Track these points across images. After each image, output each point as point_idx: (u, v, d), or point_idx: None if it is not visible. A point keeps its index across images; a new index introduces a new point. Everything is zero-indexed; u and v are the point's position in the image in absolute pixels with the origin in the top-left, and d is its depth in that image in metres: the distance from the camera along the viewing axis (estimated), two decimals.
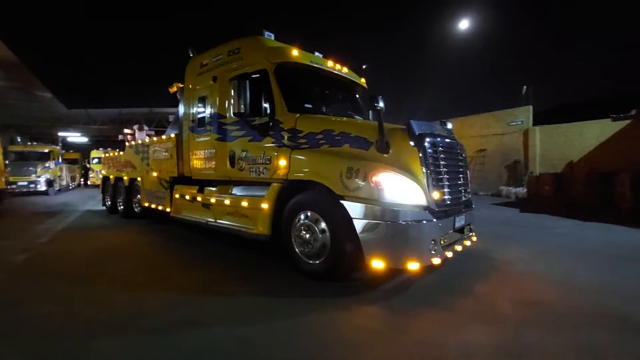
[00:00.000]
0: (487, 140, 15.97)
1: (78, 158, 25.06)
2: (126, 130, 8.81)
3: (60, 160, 18.03)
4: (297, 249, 3.71)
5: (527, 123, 14.61)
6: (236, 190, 4.78)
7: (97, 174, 20.60)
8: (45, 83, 16.37)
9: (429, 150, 3.33)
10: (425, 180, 3.25)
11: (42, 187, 15.55)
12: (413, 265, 3.05)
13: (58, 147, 18.49)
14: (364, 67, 5.66)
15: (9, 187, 15.07)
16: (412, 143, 3.28)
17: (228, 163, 4.71)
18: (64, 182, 18.45)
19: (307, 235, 3.57)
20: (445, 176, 3.50)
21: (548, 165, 13.38)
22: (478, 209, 8.94)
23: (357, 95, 5.48)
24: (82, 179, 25.02)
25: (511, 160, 14.85)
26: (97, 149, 24.53)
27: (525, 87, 15.61)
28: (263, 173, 4.23)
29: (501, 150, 15.32)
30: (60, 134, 23.66)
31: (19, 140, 22.64)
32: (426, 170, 3.26)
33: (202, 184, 5.33)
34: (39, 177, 15.48)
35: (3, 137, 18.18)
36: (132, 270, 3.99)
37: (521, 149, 14.67)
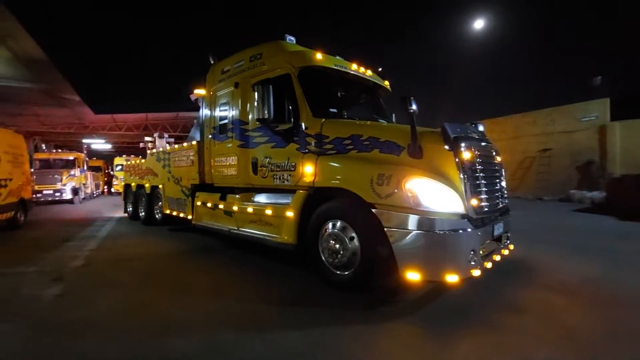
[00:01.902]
0: (552, 139, 14.06)
1: (102, 165, 25.51)
2: (147, 138, 8.95)
3: (85, 168, 18.02)
4: (324, 259, 3.56)
5: (603, 118, 12.67)
6: (259, 198, 4.69)
7: (120, 181, 20.84)
8: (74, 86, 15.60)
9: (466, 154, 3.12)
10: (462, 187, 3.04)
11: (67, 195, 15.27)
12: (452, 278, 2.85)
13: (83, 154, 18.47)
14: (379, 69, 5.51)
15: (34, 196, 15.17)
16: (447, 147, 3.09)
17: (251, 170, 4.62)
18: (88, 190, 18.40)
19: (336, 245, 3.41)
20: (483, 181, 3.28)
21: (631, 166, 11.57)
22: (561, 217, 8.44)
23: (381, 99, 5.32)
24: (105, 187, 25.40)
25: (583, 160, 12.99)
26: (120, 155, 24.74)
27: (599, 77, 13.94)
28: (287, 180, 4.12)
29: (570, 150, 13.42)
30: (85, 140, 23.76)
31: (44, 147, 23.10)
32: (463, 176, 3.06)
33: (224, 191, 5.27)
34: (64, 185, 15.27)
35: (27, 145, 18.57)
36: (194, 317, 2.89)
37: (596, 147, 12.72)
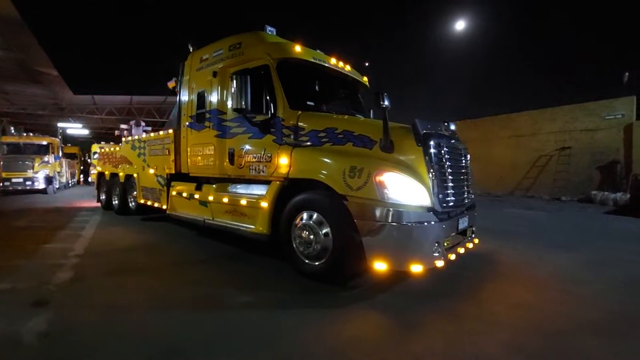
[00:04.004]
0: (572, 137, 13.47)
1: (77, 152, 24.19)
2: (123, 126, 8.73)
3: (60, 155, 16.64)
4: (297, 249, 3.61)
5: (629, 116, 12.11)
6: (235, 188, 4.69)
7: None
8: (51, 57, 13.33)
9: (434, 150, 3.24)
10: (429, 181, 3.16)
11: (40, 184, 13.87)
12: (416, 268, 2.97)
13: (58, 140, 16.93)
14: (366, 64, 5.56)
15: (1, 184, 13.07)
16: (417, 143, 3.20)
17: (227, 160, 4.62)
18: (63, 179, 17.14)
19: (310, 236, 3.46)
20: (450, 177, 3.41)
21: None
22: (605, 221, 7.74)
23: (359, 94, 5.39)
24: (81, 176, 24.09)
25: (606, 160, 12.44)
26: (99, 142, 23.25)
27: (627, 73, 13.23)
28: (263, 171, 4.14)
29: (592, 149, 12.88)
30: (60, 124, 21.73)
31: (13, 131, 21.13)
32: (431, 171, 3.18)
33: (199, 181, 5.23)
34: (36, 173, 13.84)
35: None
36: None
37: (621, 147, 12.15)
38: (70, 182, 19.49)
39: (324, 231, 3.37)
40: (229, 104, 4.62)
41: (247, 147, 4.36)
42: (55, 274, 3.63)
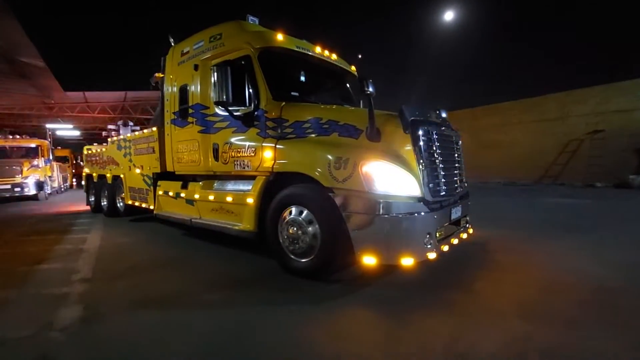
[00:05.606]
0: (605, 119, 12.65)
1: (68, 155, 23.78)
2: (110, 126, 8.53)
3: (51, 158, 15.75)
4: (284, 246, 3.47)
5: None
6: (220, 185, 4.54)
7: None
8: (37, 45, 12.00)
9: (423, 137, 3.10)
10: (419, 170, 3.02)
11: (30, 190, 12.89)
12: (407, 261, 2.84)
13: (47, 142, 16.08)
14: (359, 56, 5.39)
15: None
16: (404, 130, 3.05)
17: (212, 156, 4.45)
18: (55, 184, 16.33)
19: (297, 232, 3.33)
20: (440, 165, 3.28)
21: None
22: None
23: (347, 84, 5.23)
24: (73, 180, 23.69)
25: None
26: (91, 144, 22.54)
27: None
28: (248, 166, 3.99)
29: (628, 131, 12.03)
30: (49, 125, 20.48)
31: None
32: (420, 159, 3.03)
33: (186, 179, 5.08)
34: (25, 178, 13.13)
35: None
36: None
37: None
38: (62, 186, 18.96)
39: (311, 226, 3.23)
40: (212, 97, 4.44)
41: (231, 141, 4.19)
42: (59, 311, 2.66)
